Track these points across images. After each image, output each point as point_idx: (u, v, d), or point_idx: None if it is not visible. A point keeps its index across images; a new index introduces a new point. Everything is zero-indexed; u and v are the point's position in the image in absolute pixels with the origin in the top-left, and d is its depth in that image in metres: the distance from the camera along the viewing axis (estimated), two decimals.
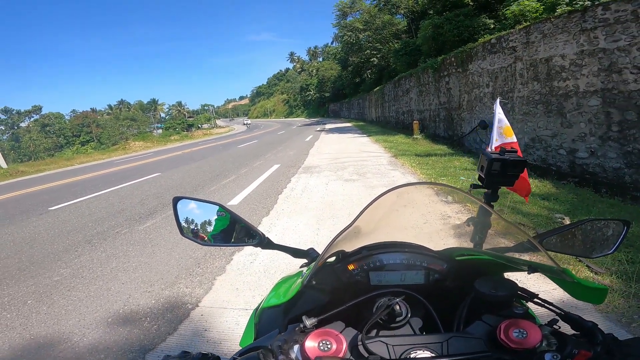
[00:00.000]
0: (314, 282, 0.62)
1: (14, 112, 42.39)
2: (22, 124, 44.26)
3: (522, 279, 2.20)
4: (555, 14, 5.77)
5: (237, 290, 2.54)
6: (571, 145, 5.30)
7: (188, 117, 79.60)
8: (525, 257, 0.63)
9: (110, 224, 4.58)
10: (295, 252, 0.81)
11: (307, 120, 52.35)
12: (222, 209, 0.77)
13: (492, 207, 0.87)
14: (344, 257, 0.67)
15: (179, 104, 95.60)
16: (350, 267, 0.65)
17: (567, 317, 0.51)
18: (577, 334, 0.49)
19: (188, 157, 14.11)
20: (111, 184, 8.14)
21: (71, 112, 57.91)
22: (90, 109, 63.06)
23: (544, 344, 0.46)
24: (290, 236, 3.47)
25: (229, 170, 8.43)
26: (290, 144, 14.37)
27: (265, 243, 0.76)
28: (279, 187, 5.86)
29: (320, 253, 0.74)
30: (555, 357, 0.43)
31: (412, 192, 0.71)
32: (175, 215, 0.78)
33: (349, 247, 0.68)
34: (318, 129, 24.69)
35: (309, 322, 0.49)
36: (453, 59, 9.63)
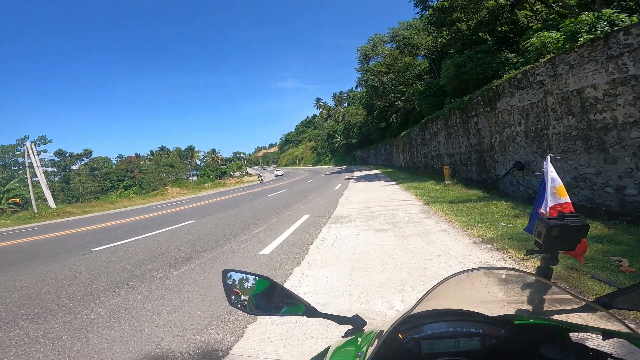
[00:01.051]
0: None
1: (67, 155, 46.35)
2: (73, 167, 48.17)
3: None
4: (578, 43, 5.71)
5: (269, 340, 2.45)
6: (618, 182, 4.95)
7: (221, 165, 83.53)
8: (591, 319, 0.61)
9: (148, 268, 4.71)
10: (340, 320, 0.81)
11: (335, 167, 53.15)
12: (268, 281, 0.81)
13: (551, 271, 0.86)
14: (390, 326, 0.65)
15: (213, 151, 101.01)
16: (400, 335, 0.64)
17: None
18: None
19: (222, 205, 14.64)
20: (149, 229, 8.52)
21: (117, 156, 62.63)
22: (135, 154, 68.27)
23: None
24: (322, 287, 3.35)
25: (260, 219, 8.54)
26: (320, 193, 14.50)
27: (311, 312, 0.79)
28: (310, 237, 5.80)
29: (363, 319, 0.79)
30: None
31: (474, 275, 0.68)
32: (225, 286, 0.84)
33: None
34: (346, 177, 24.85)
35: None
36: (480, 98, 9.64)
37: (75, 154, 48.43)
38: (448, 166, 11.96)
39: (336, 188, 16.11)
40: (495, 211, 6.05)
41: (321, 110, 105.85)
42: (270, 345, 2.36)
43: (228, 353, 2.32)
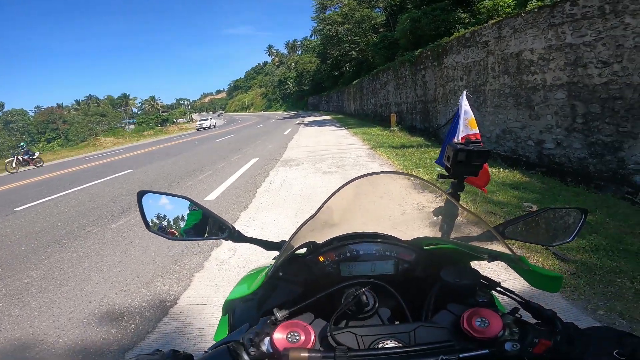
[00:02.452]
0: (280, 274, 0.62)
1: None
2: None
3: (494, 268, 2.26)
4: (526, 9, 5.96)
5: (217, 286, 2.51)
6: (539, 136, 5.53)
7: (162, 112, 76.92)
8: (488, 246, 0.65)
9: (81, 223, 4.39)
10: (267, 245, 0.78)
11: (286, 113, 51.92)
12: (192, 203, 0.74)
13: (458, 197, 0.94)
14: (315, 248, 0.68)
15: (152, 98, 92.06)
16: (321, 258, 0.65)
17: (528, 305, 0.53)
18: (538, 323, 0.50)
19: (163, 152, 13.77)
20: (80, 182, 7.82)
21: (35, 108, 54.73)
22: (57, 104, 59.82)
23: (506, 333, 0.46)
24: (270, 230, 3.45)
25: (205, 165, 8.26)
26: (269, 138, 14.24)
27: (235, 236, 0.74)
28: (257, 181, 5.80)
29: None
30: (515, 346, 0.44)
31: (382, 182, 0.71)
32: (141, 209, 0.76)
33: (320, 239, 0.68)
34: (297, 122, 24.61)
35: (280, 314, 0.50)
36: (429, 53, 9.79)
37: None
38: (395, 114, 12.30)
39: (286, 132, 15.96)
40: (434, 157, 6.51)
41: (273, 57, 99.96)
42: (219, 292, 2.43)
43: (176, 303, 2.35)
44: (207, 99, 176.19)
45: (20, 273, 3.09)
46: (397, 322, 0.60)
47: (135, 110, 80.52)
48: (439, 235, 0.89)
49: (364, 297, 0.56)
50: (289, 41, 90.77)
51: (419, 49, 10.88)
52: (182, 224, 0.75)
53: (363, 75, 22.61)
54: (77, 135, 44.48)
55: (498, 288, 0.60)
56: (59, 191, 6.92)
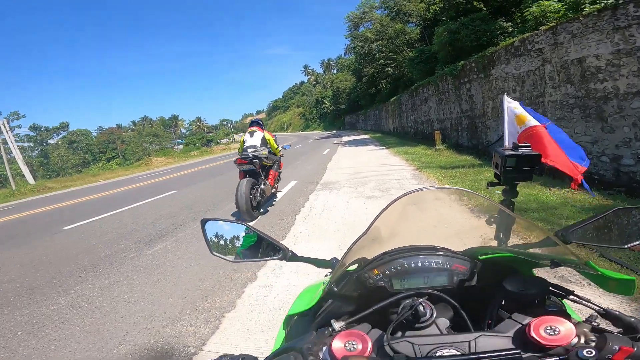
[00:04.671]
0: (335, 288, 0.63)
1: (42, 129, 43.90)
2: (51, 141, 46.07)
3: (567, 276, 1.98)
4: (583, 13, 5.38)
5: (248, 332, 2.22)
6: (615, 151, 4.79)
7: (207, 133, 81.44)
8: (550, 252, 0.63)
9: (119, 247, 4.41)
10: (319, 263, 0.85)
11: (324, 133, 52.35)
12: (248, 227, 0.83)
13: (512, 204, 0.91)
14: (365, 264, 0.68)
15: (199, 119, 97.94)
16: (375, 272, 0.65)
17: (607, 313, 0.51)
18: (619, 331, 0.47)
19: (207, 172, 14.20)
20: (129, 202, 8.13)
21: (98, 128, 59.79)
22: (116, 125, 65.43)
23: (580, 341, 0.44)
24: (309, 268, 3.12)
25: None
26: (308, 158, 14.14)
27: (289, 256, 0.80)
28: (296, 206, 5.52)
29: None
30: (589, 352, 0.40)
31: (429, 197, 0.72)
32: (204, 235, 0.85)
33: (370, 254, 0.70)
34: (335, 141, 24.46)
35: (337, 325, 0.53)
36: (474, 65, 9.21)
37: (51, 127, 45.96)
38: (439, 131, 11.57)
39: (324, 153, 15.79)
40: (488, 177, 5.88)
41: (309, 77, 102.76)
42: (250, 339, 2.14)
43: (201, 349, 2.10)
44: (248, 120, 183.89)
45: (50, 299, 3.05)
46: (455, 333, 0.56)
47: (183, 130, 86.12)
48: (494, 244, 0.87)
49: (421, 307, 0.54)
50: (323, 60, 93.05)
51: (461, 62, 10.31)
52: (239, 246, 0.83)
53: (401, 92, 22.19)
54: (132, 154, 48.25)
55: (571, 297, 0.58)
56: (107, 211, 7.21)
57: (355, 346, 0.45)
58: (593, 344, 0.43)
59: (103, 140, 53.58)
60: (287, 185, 7.63)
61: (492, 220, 0.87)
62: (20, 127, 39.15)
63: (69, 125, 48.22)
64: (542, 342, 0.43)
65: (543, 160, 0.95)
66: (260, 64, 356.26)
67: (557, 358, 0.42)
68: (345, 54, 71.56)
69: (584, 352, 0.40)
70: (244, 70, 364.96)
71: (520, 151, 0.80)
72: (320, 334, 0.51)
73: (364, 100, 42.55)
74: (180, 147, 58.90)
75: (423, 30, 23.16)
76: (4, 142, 22.88)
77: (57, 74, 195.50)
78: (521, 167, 0.81)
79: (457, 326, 0.59)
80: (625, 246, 0.70)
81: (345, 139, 26.66)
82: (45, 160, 40.89)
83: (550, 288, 0.57)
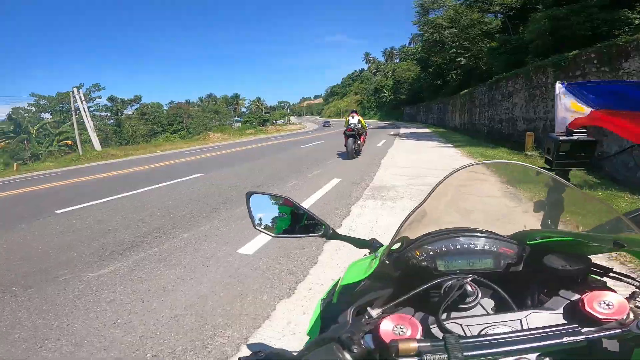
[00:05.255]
0: (387, 262, 0.62)
1: (118, 101, 47.83)
2: (127, 112, 50.36)
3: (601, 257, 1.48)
4: None
5: None
6: None
7: (265, 113, 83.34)
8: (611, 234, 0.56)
9: (67, 258, 3.43)
10: (358, 242, 0.84)
11: (380, 122, 50.23)
12: (293, 202, 0.82)
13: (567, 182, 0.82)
14: (408, 243, 0.67)
15: (258, 99, 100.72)
16: (417, 252, 0.64)
17: None
18: None
19: (249, 153, 13.89)
20: (152, 181, 7.85)
21: (169, 102, 64.17)
22: (185, 100, 69.56)
23: (631, 316, 0.43)
24: None
25: (279, 178, 7.38)
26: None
27: (329, 234, 0.80)
28: (332, 222, 3.99)
29: (381, 243, 0.82)
30: None
31: (479, 175, 0.71)
32: (249, 209, 0.85)
33: (414, 235, 0.67)
34: (392, 132, 22.84)
35: (374, 312, 0.49)
36: (593, 55, 7.31)
37: (126, 99, 49.23)
38: (532, 133, 9.42)
39: (379, 144, 14.46)
40: (626, 207, 4.01)
41: (370, 64, 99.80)
42: None
43: None
44: (305, 103, 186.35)
45: None
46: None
47: (244, 109, 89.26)
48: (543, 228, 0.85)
49: (469, 287, 0.53)
50: (386, 49, 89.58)
51: (572, 51, 8.34)
52: (282, 221, 0.84)
53: (474, 85, 19.87)
54: (195, 129, 50.98)
55: (611, 274, 0.58)
56: (122, 192, 6.82)
57: (404, 330, 0.43)
58: None
59: (172, 114, 57.06)
60: (327, 183, 6.27)
61: (539, 205, 0.82)
62: (100, 98, 43.47)
63: (142, 98, 51.85)
64: (599, 316, 0.42)
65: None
66: (321, 51, 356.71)
67: (619, 330, 0.40)
68: (409, 44, 68.29)
69: None
70: (304, 56, 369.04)
71: (575, 136, 0.80)
72: (356, 321, 0.49)
73: (428, 92, 40.01)
74: (239, 124, 61.09)
75: (507, 20, 20.81)
76: (77, 110, 24.98)
77: (136, 53, 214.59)
78: (575, 153, 0.80)
79: (502, 307, 0.56)
80: None
81: (404, 130, 24.85)
82: (118, 128, 44.45)
83: (592, 267, 0.57)
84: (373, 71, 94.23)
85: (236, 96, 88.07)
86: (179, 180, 7.87)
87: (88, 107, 38.03)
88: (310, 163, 9.57)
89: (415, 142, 15.17)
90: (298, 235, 0.82)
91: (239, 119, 71.87)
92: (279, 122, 69.05)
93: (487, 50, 18.55)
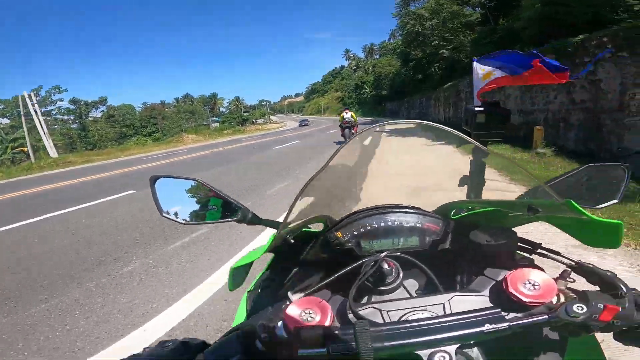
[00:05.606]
0: (292, 240, 0.58)
1: (82, 103, 44.55)
2: (94, 114, 47.00)
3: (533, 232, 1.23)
4: None
5: None
6: None
7: (244, 112, 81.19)
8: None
9: None
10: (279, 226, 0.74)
11: (362, 119, 49.17)
12: (203, 185, 0.73)
13: (483, 165, 0.88)
14: (332, 225, 0.64)
15: (237, 98, 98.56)
16: (339, 234, 0.62)
17: (580, 268, 0.47)
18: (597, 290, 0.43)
19: (217, 156, 12.73)
20: (84, 199, 6.47)
21: (142, 104, 60.67)
22: (160, 101, 66.21)
23: (561, 299, 0.39)
24: None
25: (232, 193, 6.05)
26: (327, 148, 11.94)
27: (249, 218, 0.69)
28: None
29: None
30: (579, 308, 0.35)
31: (399, 137, 0.95)
32: (154, 194, 0.74)
33: (337, 215, 0.66)
34: (377, 129, 21.80)
35: (294, 296, 0.45)
36: (606, 39, 6.30)
37: (90, 101, 45.95)
38: (541, 127, 8.03)
39: (364, 144, 13.23)
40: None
41: (350, 61, 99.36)
42: None
43: None
44: (286, 102, 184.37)
45: None
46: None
47: (223, 109, 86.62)
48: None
49: (385, 265, 0.51)
50: (366, 45, 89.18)
51: (579, 36, 7.37)
52: (195, 207, 0.73)
53: (457, 78, 19.04)
54: (169, 130, 48.45)
55: (539, 250, 0.56)
56: (42, 212, 5.56)
57: (312, 316, 0.39)
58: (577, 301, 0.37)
59: (146, 116, 54.14)
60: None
61: (463, 181, 0.82)
62: (62, 101, 40.39)
63: (107, 99, 48.45)
64: (524, 299, 0.38)
65: (521, 83, 0.95)
66: (300, 48, 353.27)
67: (545, 316, 0.36)
68: (389, 39, 67.88)
69: (574, 308, 0.36)
70: (284, 54, 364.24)
71: (490, 108, 0.81)
72: (276, 308, 0.45)
73: (409, 87, 39.23)
74: (217, 125, 58.74)
75: (487, 12, 20.22)
76: (27, 114, 22.69)
77: (105, 52, 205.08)
78: (491, 124, 0.81)
79: (427, 290, 0.54)
80: (598, 206, 0.64)
81: (388, 127, 23.83)
82: (83, 133, 41.21)
83: (519, 243, 0.56)
84: (353, 68, 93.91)
85: (214, 96, 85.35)
86: (103, 200, 6.42)
87: (49, 111, 35.21)
88: (280, 169, 8.18)
89: (403, 140, 13.94)
90: (212, 221, 0.72)
91: (217, 119, 69.44)
92: (259, 121, 66.83)
93: (472, 40, 17.70)
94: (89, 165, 16.17)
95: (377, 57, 76.33)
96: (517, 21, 13.17)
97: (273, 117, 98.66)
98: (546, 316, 0.36)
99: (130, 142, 40.47)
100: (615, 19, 7.98)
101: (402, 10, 26.94)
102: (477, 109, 0.80)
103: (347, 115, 11.69)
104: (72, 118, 42.72)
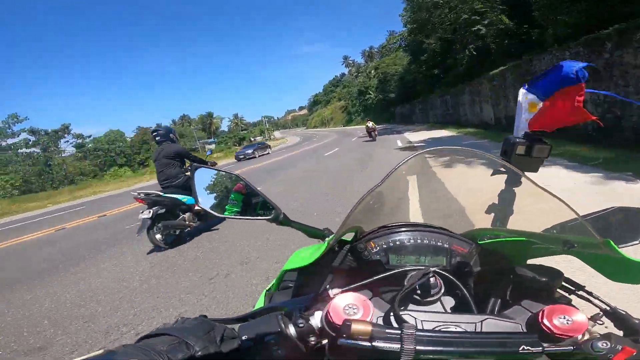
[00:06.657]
0: (336, 248, 0.63)
1: (42, 133, 37.92)
2: (68, 148, 40.99)
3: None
4: None
5: None
6: None
7: (242, 130, 76.36)
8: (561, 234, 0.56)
9: None
10: (311, 231, 0.79)
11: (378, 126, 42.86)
12: (243, 181, 0.76)
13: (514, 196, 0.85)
14: (362, 235, 0.66)
15: (235, 116, 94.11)
16: (372, 244, 0.63)
17: (614, 313, 0.50)
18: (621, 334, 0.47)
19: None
20: None
21: (137, 128, 55.11)
22: (156, 124, 60.63)
23: (585, 337, 0.42)
24: None
25: None
26: (337, 196, 5.76)
27: (281, 219, 0.74)
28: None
29: (333, 231, 0.72)
30: (604, 344, 0.39)
31: (433, 162, 0.72)
32: (193, 184, 0.77)
33: (368, 227, 0.67)
34: (398, 143, 15.04)
35: (332, 292, 0.47)
36: None
37: (50, 130, 38.71)
38: None
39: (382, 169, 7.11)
40: None
41: (349, 68, 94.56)
42: None
43: None
44: (290, 116, 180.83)
45: None
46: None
47: (224, 129, 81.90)
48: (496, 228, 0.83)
49: (433, 279, 0.53)
50: (365, 50, 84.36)
51: None
52: (230, 200, 0.75)
53: (487, 68, 12.84)
54: None
55: (581, 292, 0.58)
56: None
57: (355, 311, 0.41)
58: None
59: (137, 141, 48.82)
60: None
61: (492, 209, 0.83)
62: (25, 131, 34.87)
63: (70, 126, 40.69)
64: (555, 331, 0.42)
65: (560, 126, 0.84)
66: (299, 61, 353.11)
67: (572, 347, 0.40)
68: (389, 37, 62.68)
69: (599, 344, 0.39)
70: (284, 69, 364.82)
71: (531, 140, 0.79)
72: (314, 296, 0.48)
73: (422, 84, 33.14)
74: (213, 146, 52.89)
75: None
76: None
77: (106, 75, 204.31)
78: (530, 157, 0.79)
79: (461, 309, 0.56)
80: (620, 246, 0.60)
81: (412, 136, 17.36)
82: (46, 168, 34.79)
83: (564, 282, 0.57)
84: (354, 74, 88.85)
85: (209, 115, 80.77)
86: None
87: (10, 145, 30.17)
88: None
89: (465, 169, 7.80)
90: (246, 217, 0.74)
91: (212, 140, 64.24)
92: (258, 138, 60.80)
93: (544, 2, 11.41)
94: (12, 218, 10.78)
95: (378, 59, 71.02)
96: None
97: (276, 133, 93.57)
98: (571, 347, 0.40)
99: (107, 174, 34.87)
100: None
101: None
102: (517, 140, 0.75)
103: (370, 124, 19.02)
104: (37, 152, 36.23)
